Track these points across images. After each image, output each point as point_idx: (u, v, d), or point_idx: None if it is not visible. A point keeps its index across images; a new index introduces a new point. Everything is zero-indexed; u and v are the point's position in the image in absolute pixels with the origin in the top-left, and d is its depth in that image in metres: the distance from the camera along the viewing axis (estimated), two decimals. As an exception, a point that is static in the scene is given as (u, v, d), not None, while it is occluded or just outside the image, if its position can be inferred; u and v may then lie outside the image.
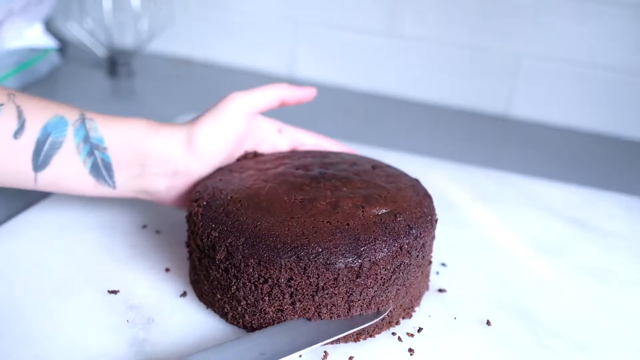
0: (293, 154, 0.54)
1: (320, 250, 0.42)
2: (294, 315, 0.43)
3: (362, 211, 0.44)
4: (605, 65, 0.88)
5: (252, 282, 0.43)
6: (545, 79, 0.91)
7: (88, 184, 0.50)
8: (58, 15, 0.96)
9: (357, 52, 0.99)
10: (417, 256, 0.45)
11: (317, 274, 0.42)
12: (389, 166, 0.53)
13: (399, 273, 0.44)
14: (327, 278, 0.42)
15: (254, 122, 0.55)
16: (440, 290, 0.51)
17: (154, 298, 0.47)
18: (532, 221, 0.63)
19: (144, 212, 0.59)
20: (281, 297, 0.43)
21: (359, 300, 0.43)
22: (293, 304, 0.43)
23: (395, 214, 0.45)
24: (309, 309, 0.43)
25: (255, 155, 0.55)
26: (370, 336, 0.45)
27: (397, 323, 0.47)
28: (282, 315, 0.43)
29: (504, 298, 0.51)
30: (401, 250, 0.44)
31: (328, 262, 0.41)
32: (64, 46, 1.00)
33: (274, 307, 0.43)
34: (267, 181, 0.48)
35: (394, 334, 0.46)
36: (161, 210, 0.59)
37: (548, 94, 0.92)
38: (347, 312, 0.43)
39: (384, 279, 0.44)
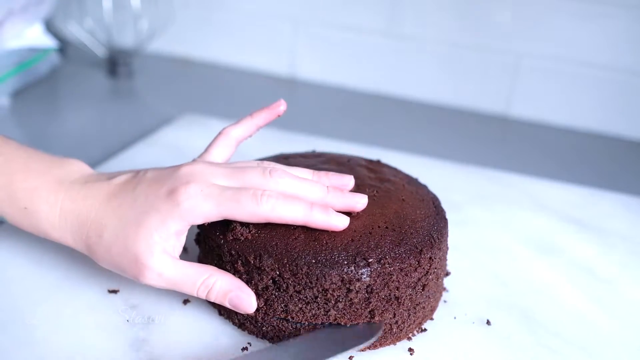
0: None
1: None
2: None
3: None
4: (605, 65, 0.88)
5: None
6: (545, 79, 0.91)
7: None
8: (58, 15, 0.96)
9: (357, 52, 0.99)
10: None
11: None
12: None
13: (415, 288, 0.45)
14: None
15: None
16: (440, 290, 0.51)
17: (154, 298, 0.47)
18: (532, 221, 0.63)
19: (144, 212, 0.58)
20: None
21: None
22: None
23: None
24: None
25: None
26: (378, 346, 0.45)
27: (409, 339, 0.46)
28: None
29: (504, 298, 0.51)
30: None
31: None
32: (64, 46, 1.00)
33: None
34: None
35: (394, 334, 0.46)
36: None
37: (548, 94, 0.92)
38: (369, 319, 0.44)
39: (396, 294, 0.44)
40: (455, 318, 0.48)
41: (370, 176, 0.50)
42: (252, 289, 0.43)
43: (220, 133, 0.50)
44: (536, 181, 0.71)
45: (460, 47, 0.93)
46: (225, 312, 0.46)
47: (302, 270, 0.41)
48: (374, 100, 0.98)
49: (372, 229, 0.44)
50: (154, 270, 0.42)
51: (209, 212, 0.42)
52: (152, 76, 1.00)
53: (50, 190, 0.44)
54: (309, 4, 0.99)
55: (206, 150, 0.49)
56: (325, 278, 0.41)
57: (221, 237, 0.44)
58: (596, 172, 0.79)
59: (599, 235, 0.61)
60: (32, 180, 0.45)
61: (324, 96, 0.99)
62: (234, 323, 0.46)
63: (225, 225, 0.44)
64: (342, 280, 0.41)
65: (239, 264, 0.43)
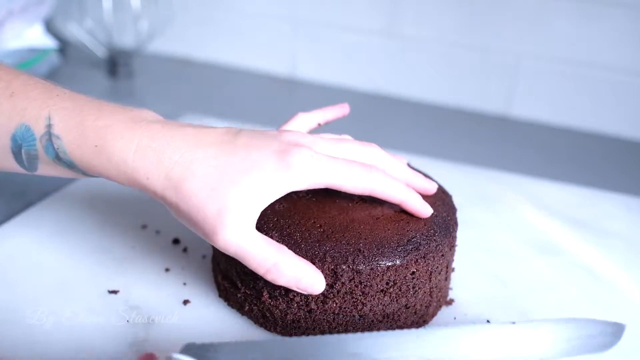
0: None
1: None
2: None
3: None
4: (605, 65, 0.88)
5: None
6: (545, 79, 0.91)
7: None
8: (58, 15, 0.96)
9: (357, 52, 0.99)
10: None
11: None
12: None
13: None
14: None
15: None
16: (440, 290, 0.51)
17: (154, 298, 0.48)
18: (532, 221, 0.63)
19: (144, 212, 0.59)
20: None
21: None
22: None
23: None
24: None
25: None
26: None
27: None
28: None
29: (504, 298, 0.51)
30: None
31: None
32: (64, 46, 1.00)
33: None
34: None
35: (394, 334, 0.46)
36: (161, 210, 0.59)
37: (548, 94, 0.92)
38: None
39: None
40: (455, 318, 0.48)
41: None
42: (239, 271, 0.45)
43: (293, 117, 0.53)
44: (536, 181, 0.72)
45: (460, 47, 0.93)
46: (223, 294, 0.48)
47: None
48: (374, 100, 0.98)
49: (357, 229, 0.43)
50: (231, 232, 0.39)
51: (318, 178, 0.40)
52: (152, 76, 1.00)
53: (126, 127, 0.41)
54: (309, 5, 0.99)
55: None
56: None
57: None
58: (596, 172, 0.79)
59: (599, 235, 0.61)
60: (105, 118, 0.41)
61: (324, 96, 0.98)
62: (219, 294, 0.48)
63: None
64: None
65: None
